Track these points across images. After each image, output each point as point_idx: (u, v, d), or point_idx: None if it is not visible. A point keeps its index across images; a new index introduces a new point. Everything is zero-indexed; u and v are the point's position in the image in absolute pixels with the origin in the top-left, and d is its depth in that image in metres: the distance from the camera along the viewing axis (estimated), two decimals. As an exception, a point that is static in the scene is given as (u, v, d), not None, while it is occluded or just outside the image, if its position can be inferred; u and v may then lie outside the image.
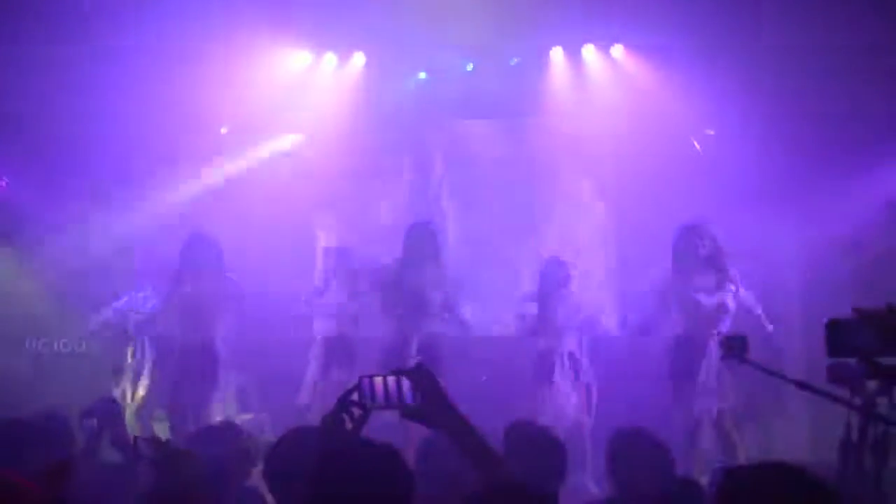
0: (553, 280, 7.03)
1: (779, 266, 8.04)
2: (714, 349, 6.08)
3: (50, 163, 8.10)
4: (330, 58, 8.52)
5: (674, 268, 6.42)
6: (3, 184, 8.31)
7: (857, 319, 2.56)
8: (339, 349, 7.09)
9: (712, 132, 8.12)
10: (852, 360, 2.81)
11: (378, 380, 2.39)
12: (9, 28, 7.09)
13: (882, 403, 2.61)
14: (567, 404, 6.87)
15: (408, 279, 6.67)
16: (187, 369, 6.68)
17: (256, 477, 4.05)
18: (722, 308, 6.29)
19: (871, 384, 2.63)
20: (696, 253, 6.33)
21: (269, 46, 7.96)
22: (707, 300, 6.30)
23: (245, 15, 7.06)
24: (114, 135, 7.92)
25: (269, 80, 8.21)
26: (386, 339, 6.78)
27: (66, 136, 7.87)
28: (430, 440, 3.40)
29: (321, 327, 7.20)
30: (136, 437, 2.98)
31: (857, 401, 2.65)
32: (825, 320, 2.59)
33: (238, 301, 6.85)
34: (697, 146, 7.16)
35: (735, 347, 3.32)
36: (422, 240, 6.79)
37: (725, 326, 6.27)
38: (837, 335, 2.55)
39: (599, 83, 8.34)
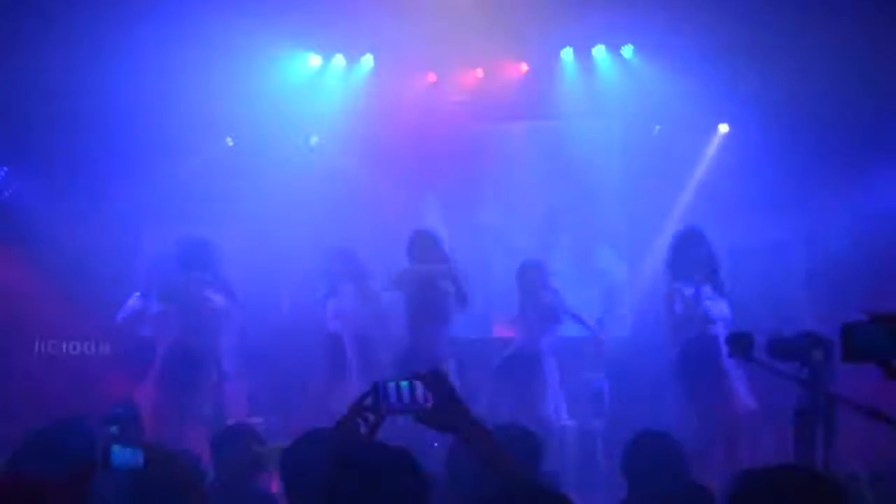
0: (529, 282, 7.03)
1: (788, 261, 8.04)
2: (723, 352, 6.04)
3: (58, 164, 8.12)
4: (339, 60, 8.58)
5: (673, 274, 6.38)
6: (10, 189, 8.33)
7: (870, 323, 2.55)
8: (354, 352, 7.09)
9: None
10: (796, 334, 2.83)
11: (392, 384, 2.40)
12: (20, 30, 7.13)
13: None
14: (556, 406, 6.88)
15: (420, 276, 6.66)
16: (184, 375, 6.53)
17: (269, 480, 4.07)
18: (722, 313, 6.29)
19: (817, 354, 2.62)
20: (694, 259, 6.31)
21: (278, 49, 8.00)
22: (710, 305, 6.29)
23: (254, 17, 7.08)
24: (124, 136, 7.94)
25: (279, 83, 8.25)
26: (403, 340, 6.77)
27: (75, 139, 7.90)
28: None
29: (335, 330, 7.19)
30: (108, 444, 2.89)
31: (804, 374, 2.66)
32: (840, 324, 2.58)
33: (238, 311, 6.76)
34: None
35: (741, 345, 3.30)
36: (427, 244, 6.79)
37: (725, 331, 6.23)
38: (852, 340, 2.55)
39: (610, 83, 8.36)
